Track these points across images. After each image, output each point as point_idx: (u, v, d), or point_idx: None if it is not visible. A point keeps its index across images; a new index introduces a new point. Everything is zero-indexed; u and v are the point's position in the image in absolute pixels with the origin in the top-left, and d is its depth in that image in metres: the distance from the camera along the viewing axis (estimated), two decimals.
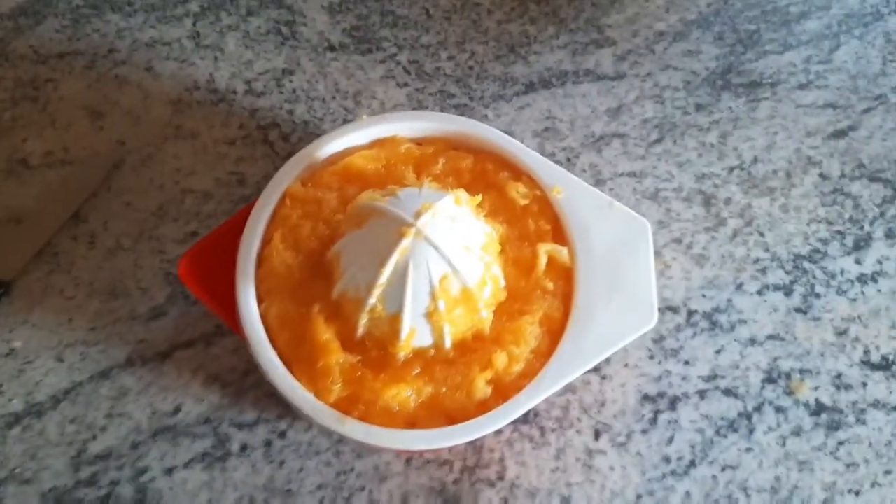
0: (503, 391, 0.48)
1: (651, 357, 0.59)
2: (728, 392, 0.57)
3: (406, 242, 0.44)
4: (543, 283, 0.50)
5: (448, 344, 0.48)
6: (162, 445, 0.54)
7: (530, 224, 0.52)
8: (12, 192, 0.61)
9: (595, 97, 0.67)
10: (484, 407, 0.47)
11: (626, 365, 0.58)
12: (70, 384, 0.56)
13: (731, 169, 0.65)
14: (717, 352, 0.59)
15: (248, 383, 0.56)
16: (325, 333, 0.47)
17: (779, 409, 0.57)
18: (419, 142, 0.55)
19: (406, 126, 0.54)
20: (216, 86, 0.66)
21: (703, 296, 0.61)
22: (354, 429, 0.46)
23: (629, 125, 0.67)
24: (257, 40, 0.68)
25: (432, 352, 0.48)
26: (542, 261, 0.51)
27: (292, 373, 0.47)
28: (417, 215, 0.45)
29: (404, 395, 0.47)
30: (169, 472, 0.54)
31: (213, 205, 0.61)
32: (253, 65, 0.67)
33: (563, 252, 0.51)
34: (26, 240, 0.59)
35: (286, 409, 0.56)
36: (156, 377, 0.56)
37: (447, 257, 0.45)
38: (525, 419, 0.56)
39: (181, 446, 0.54)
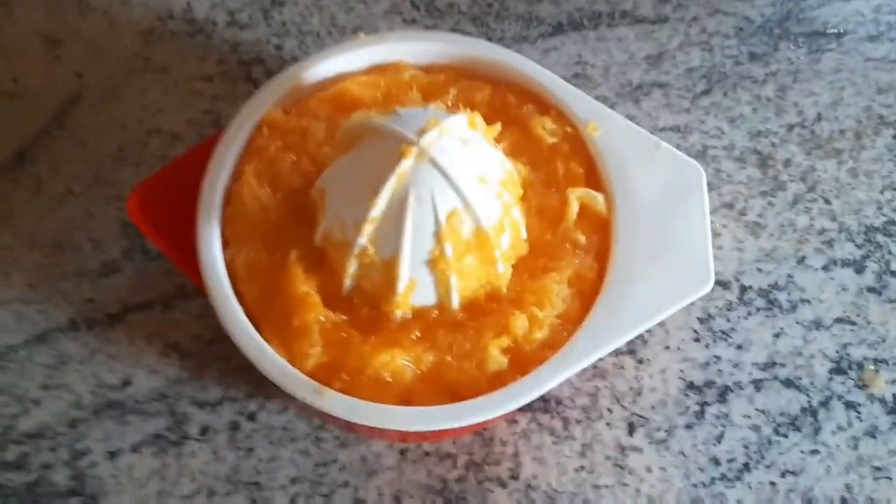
0: (522, 363, 0.39)
1: (697, 339, 0.50)
2: (789, 383, 0.49)
3: (406, 165, 0.35)
4: (574, 235, 0.42)
5: (455, 302, 0.39)
6: (106, 424, 0.46)
7: (559, 166, 0.43)
8: None
9: (633, 42, 0.59)
10: (498, 381, 0.38)
11: (667, 347, 0.49)
12: (1, 348, 0.47)
13: (791, 127, 0.57)
14: (776, 335, 0.50)
15: (213, 355, 0.48)
16: (304, 285, 0.38)
17: (849, 405, 0.48)
18: (426, 69, 0.46)
19: (411, 48, 0.46)
20: (193, 15, 0.58)
21: (759, 270, 0.52)
22: (335, 402, 0.37)
23: (672, 74, 0.58)
24: None
25: (435, 312, 0.39)
26: (573, 209, 0.42)
27: (261, 333, 0.38)
28: (421, 133, 0.36)
29: (399, 363, 0.38)
30: (112, 455, 0.45)
31: (181, 147, 0.53)
32: None
33: (598, 199, 0.42)
34: None
35: (257, 387, 0.47)
36: (102, 344, 0.48)
37: (457, 186, 0.36)
38: (545, 408, 0.47)
39: (129, 426, 0.46)
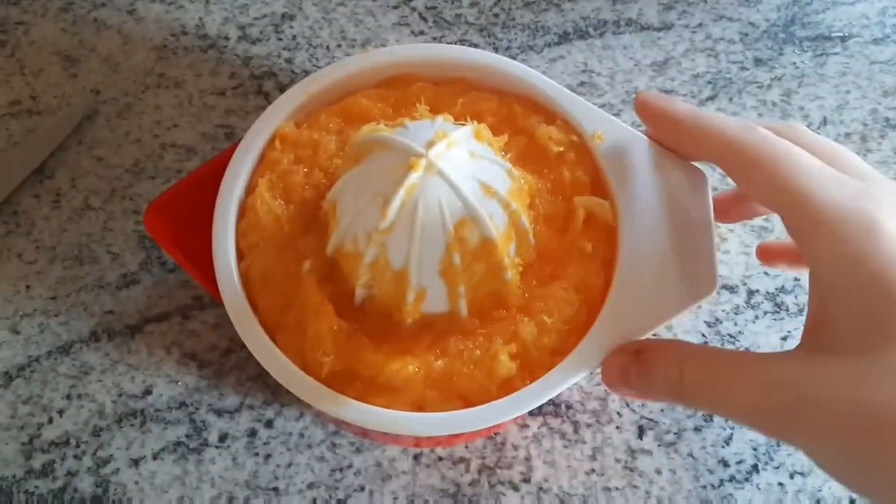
0: (531, 368, 0.39)
1: (705, 342, 0.50)
2: None
3: (414, 177, 0.36)
4: (581, 243, 0.42)
5: (465, 310, 0.39)
6: (128, 432, 0.47)
7: (565, 174, 0.44)
8: None
9: (638, 49, 0.59)
10: (508, 387, 0.39)
11: None
12: (25, 359, 0.48)
13: None
14: (784, 338, 0.50)
15: (231, 364, 0.48)
16: (317, 295, 0.39)
17: None
18: (435, 81, 0.47)
19: (419, 60, 0.46)
20: (206, 31, 0.58)
21: (766, 273, 0.52)
22: (350, 409, 0.37)
23: (677, 80, 0.58)
24: None
25: (446, 320, 0.40)
26: (580, 216, 0.42)
27: (275, 342, 0.39)
28: (429, 145, 0.37)
29: (411, 370, 0.38)
30: (135, 463, 0.46)
31: (196, 161, 0.54)
32: (248, 8, 0.59)
33: (604, 207, 0.43)
34: None
35: (274, 395, 0.48)
36: (123, 354, 0.48)
37: (465, 197, 0.36)
38: (556, 412, 0.48)
39: (151, 434, 0.47)
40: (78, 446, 0.46)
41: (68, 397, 0.47)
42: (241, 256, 0.42)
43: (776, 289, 0.52)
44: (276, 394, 0.48)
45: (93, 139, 0.54)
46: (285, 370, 0.38)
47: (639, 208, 0.42)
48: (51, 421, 0.47)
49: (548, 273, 0.41)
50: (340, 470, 0.46)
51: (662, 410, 0.48)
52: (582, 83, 0.58)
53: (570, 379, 0.38)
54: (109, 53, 0.57)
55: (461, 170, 0.37)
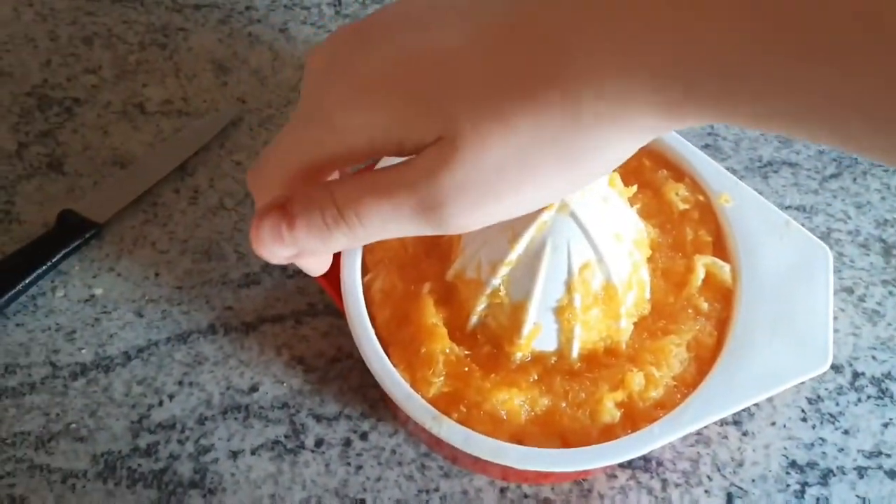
0: (634, 419, 0.40)
1: (804, 419, 0.49)
2: (893, 474, 0.48)
3: (547, 216, 0.37)
4: (697, 301, 0.43)
5: (575, 351, 0.40)
6: (231, 425, 0.48)
7: (688, 232, 0.45)
8: (123, 135, 0.57)
9: None
10: (608, 433, 0.39)
11: (772, 423, 0.49)
12: (145, 342, 0.51)
13: None
14: (885, 425, 0.49)
15: (335, 372, 0.50)
16: (433, 317, 0.41)
17: None
18: None
19: None
20: None
21: (874, 357, 0.51)
22: (452, 431, 0.39)
23: (802, 154, 0.58)
24: None
25: (554, 358, 0.41)
26: (699, 275, 0.43)
27: (388, 355, 0.41)
28: None
29: (516, 402, 0.39)
30: (234, 455, 0.48)
31: None
32: None
33: (724, 269, 0.43)
34: (127, 185, 0.55)
35: (372, 408, 0.49)
36: (236, 349, 0.50)
37: (593, 240, 0.37)
38: (646, 467, 0.48)
39: (252, 429, 0.48)
40: (183, 431, 0.48)
41: (180, 383, 0.50)
42: (365, 270, 0.43)
43: (883, 374, 0.51)
44: (375, 408, 0.49)
45: (234, 144, 0.57)
46: (395, 384, 0.40)
47: (759, 275, 0.43)
48: (161, 404, 0.49)
49: (660, 327, 0.42)
50: (427, 492, 0.47)
51: (753, 481, 0.48)
52: (706, 145, 0.58)
53: (673, 434, 0.39)
54: (259, 67, 0.60)
55: (593, 214, 0.38)
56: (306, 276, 0.51)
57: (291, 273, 0.53)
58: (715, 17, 0.24)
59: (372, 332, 0.41)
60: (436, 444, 0.46)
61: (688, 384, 0.41)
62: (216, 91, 0.59)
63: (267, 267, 0.53)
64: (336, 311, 0.52)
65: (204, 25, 0.62)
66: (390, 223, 0.31)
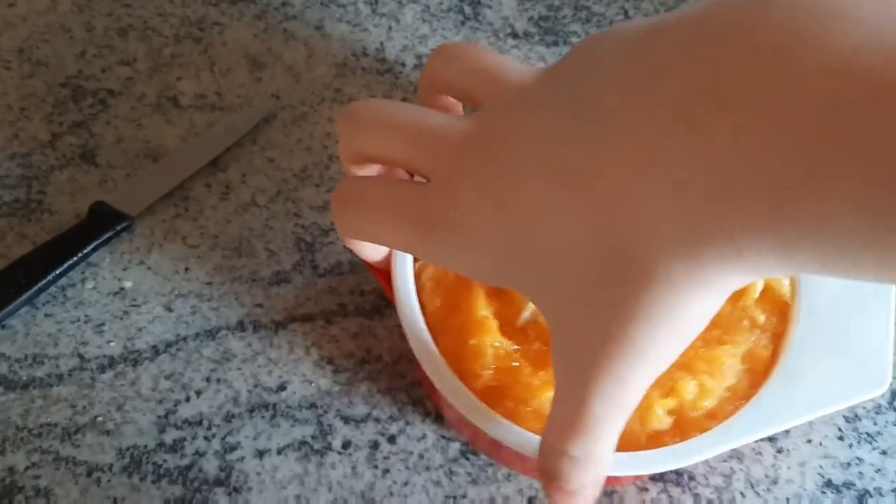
0: (684, 428, 0.39)
1: (841, 438, 0.49)
2: None
3: None
4: (753, 313, 0.42)
5: None
6: (258, 423, 0.48)
7: None
8: (156, 128, 0.57)
9: None
10: (657, 440, 0.39)
11: (808, 441, 0.48)
12: (174, 337, 0.50)
13: None
14: None
15: (364, 374, 0.49)
16: (484, 309, 0.40)
17: None
18: None
19: None
20: (385, 55, 0.61)
21: None
22: (501, 427, 0.38)
23: None
24: (437, 16, 0.63)
25: None
26: (757, 287, 0.42)
27: (436, 343, 0.40)
28: None
29: None
30: (260, 454, 0.47)
31: None
32: (427, 40, 0.62)
33: (783, 283, 0.42)
34: (159, 179, 0.54)
35: (400, 411, 0.48)
36: (265, 347, 0.50)
37: None
38: (678, 481, 0.47)
39: (279, 429, 0.48)
40: (209, 428, 0.48)
41: (207, 380, 0.49)
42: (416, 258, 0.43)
43: None
44: (403, 411, 0.48)
45: (267, 141, 0.57)
46: (443, 375, 0.39)
47: (819, 291, 0.42)
48: (188, 399, 0.49)
49: (714, 337, 0.41)
50: (454, 498, 0.46)
51: (788, 499, 0.47)
52: None
53: (724, 446, 0.38)
54: (294, 63, 0.60)
55: None
56: (338, 275, 0.50)
57: (323, 272, 0.52)
58: None
59: (421, 320, 0.40)
60: (476, 438, 0.45)
61: (740, 396, 0.40)
62: (250, 86, 0.59)
63: (298, 265, 0.52)
64: (366, 313, 0.51)
65: (240, 20, 0.62)
66: None
